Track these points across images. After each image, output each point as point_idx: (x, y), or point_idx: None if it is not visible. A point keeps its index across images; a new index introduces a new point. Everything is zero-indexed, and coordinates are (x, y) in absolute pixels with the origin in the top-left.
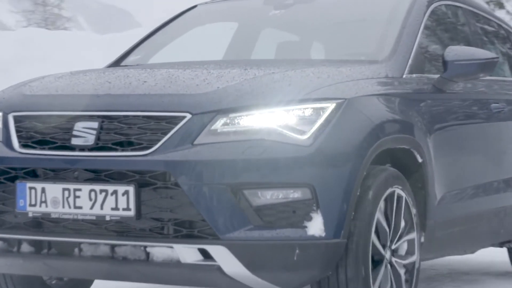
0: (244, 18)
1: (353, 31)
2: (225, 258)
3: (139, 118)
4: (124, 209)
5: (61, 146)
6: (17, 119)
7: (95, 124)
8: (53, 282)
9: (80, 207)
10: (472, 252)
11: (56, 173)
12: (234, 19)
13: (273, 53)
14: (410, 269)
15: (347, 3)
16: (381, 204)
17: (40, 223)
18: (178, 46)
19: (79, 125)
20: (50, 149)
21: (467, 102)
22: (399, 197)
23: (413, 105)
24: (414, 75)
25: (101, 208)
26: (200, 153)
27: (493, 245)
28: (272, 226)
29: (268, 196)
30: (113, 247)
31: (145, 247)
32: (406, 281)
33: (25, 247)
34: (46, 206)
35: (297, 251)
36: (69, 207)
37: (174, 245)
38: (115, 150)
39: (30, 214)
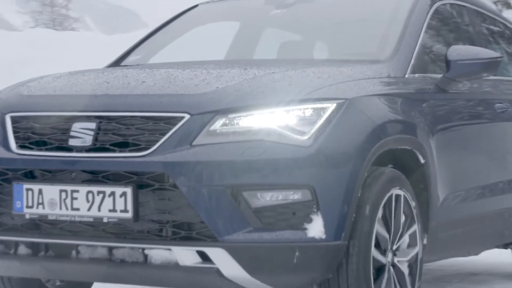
0: (245, 18)
1: (355, 31)
2: (224, 261)
3: (137, 119)
4: (121, 211)
5: (58, 147)
6: (14, 120)
7: (92, 125)
8: (57, 283)
9: (78, 209)
10: (476, 253)
11: (53, 174)
12: (236, 19)
13: (276, 53)
14: (412, 262)
15: (348, 2)
16: (381, 207)
17: (37, 225)
18: (179, 46)
19: (76, 126)
20: (47, 150)
21: (470, 102)
22: (399, 198)
23: (416, 105)
24: (416, 75)
25: (99, 209)
26: (199, 154)
27: (498, 246)
28: (271, 228)
29: (268, 198)
30: (110, 249)
31: (143, 249)
32: (410, 274)
33: (22, 249)
34: (43, 207)
35: (297, 253)
36: (66, 208)
37: (173, 248)
38: (113, 151)
39: (27, 216)
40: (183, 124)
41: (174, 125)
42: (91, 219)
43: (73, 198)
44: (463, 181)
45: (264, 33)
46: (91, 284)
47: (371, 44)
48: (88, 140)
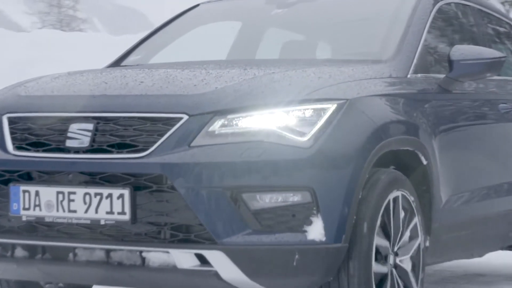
0: (247, 18)
1: (357, 30)
2: (222, 264)
3: (135, 120)
4: (119, 213)
5: (55, 148)
6: (11, 121)
7: (90, 126)
8: (60, 285)
9: (75, 211)
10: (480, 256)
11: (50, 176)
12: (237, 19)
13: (278, 53)
14: (415, 254)
15: (350, 2)
16: (383, 209)
17: (34, 227)
18: (180, 46)
19: (74, 127)
20: (44, 151)
21: (473, 103)
22: (401, 199)
23: (418, 105)
24: (419, 75)
25: (96, 212)
26: (197, 155)
27: (502, 248)
28: (271, 231)
29: (267, 200)
30: (108, 252)
31: (141, 252)
32: (413, 269)
33: (19, 252)
34: (40, 209)
35: (296, 256)
36: (63, 210)
37: (170, 250)
38: (110, 152)
39: (24, 218)
40: (181, 125)
41: (172, 126)
42: (88, 221)
43: (70, 200)
44: (466, 182)
45: (266, 33)
46: (90, 287)
47: (373, 43)
48: (85, 141)
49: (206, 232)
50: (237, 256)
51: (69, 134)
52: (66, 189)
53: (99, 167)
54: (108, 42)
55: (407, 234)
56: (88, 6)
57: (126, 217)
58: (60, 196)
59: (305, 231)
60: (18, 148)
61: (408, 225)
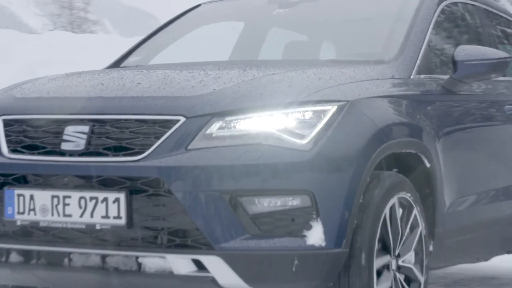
0: (250, 18)
1: (360, 30)
2: (220, 269)
3: (132, 122)
4: (114, 217)
5: (50, 151)
6: (6, 123)
7: (85, 128)
8: None
9: (70, 215)
10: (486, 259)
11: (45, 180)
12: (240, 19)
13: (281, 53)
14: (417, 244)
15: (353, 2)
16: (385, 212)
17: (29, 232)
18: (182, 47)
19: (69, 129)
20: (39, 154)
21: (478, 104)
22: (403, 203)
23: (421, 107)
24: (422, 76)
25: (91, 216)
26: (194, 159)
27: (509, 252)
28: (269, 235)
29: (266, 204)
30: (104, 257)
31: (137, 257)
32: (416, 261)
33: (14, 257)
34: (35, 214)
35: (296, 261)
36: (58, 215)
37: (167, 256)
38: (106, 155)
39: (19, 223)
40: (178, 127)
41: (169, 128)
42: (84, 226)
43: (65, 204)
44: (470, 185)
45: (270, 33)
46: None
47: (375, 44)
48: (81, 144)
49: (203, 237)
50: (235, 262)
51: (64, 137)
52: (61, 193)
53: (94, 170)
54: (119, 43)
55: (408, 231)
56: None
57: (122, 221)
58: (55, 200)
59: (305, 236)
60: (13, 151)
61: (409, 228)
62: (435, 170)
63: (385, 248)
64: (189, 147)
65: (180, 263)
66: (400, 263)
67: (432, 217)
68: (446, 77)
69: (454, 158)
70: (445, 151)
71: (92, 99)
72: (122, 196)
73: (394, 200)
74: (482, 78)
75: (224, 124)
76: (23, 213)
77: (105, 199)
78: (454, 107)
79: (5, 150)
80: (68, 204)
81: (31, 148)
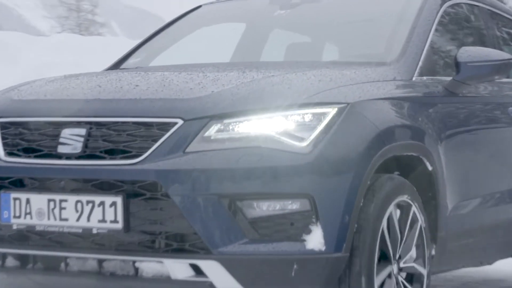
0: (251, 19)
1: (361, 31)
2: (217, 274)
3: (129, 125)
4: (111, 222)
5: (47, 154)
6: (3, 126)
7: (82, 131)
8: None
9: (66, 219)
10: (489, 263)
11: (41, 183)
12: (241, 20)
13: (283, 54)
14: (418, 237)
15: (354, 2)
16: (386, 216)
17: (25, 236)
18: (183, 48)
19: (66, 132)
20: (36, 157)
21: (481, 106)
22: (405, 206)
23: (423, 109)
24: (424, 78)
25: (88, 220)
26: (192, 162)
27: None
28: (268, 240)
29: (264, 208)
30: (100, 261)
31: (134, 261)
32: (417, 247)
33: (10, 261)
34: (31, 218)
35: (295, 266)
36: (55, 219)
37: (164, 260)
38: (103, 158)
39: (15, 227)
40: (176, 130)
41: (167, 131)
42: (80, 230)
43: (61, 208)
44: (473, 189)
45: (271, 35)
46: None
47: (377, 45)
48: (78, 146)
49: (201, 241)
50: (233, 267)
51: (61, 140)
52: (57, 197)
53: (91, 173)
54: (126, 46)
55: (408, 230)
56: (106, 10)
57: (119, 225)
58: (52, 204)
59: (304, 240)
60: (9, 154)
61: (409, 225)
62: (437, 173)
63: (385, 257)
64: (187, 150)
65: (178, 268)
66: (401, 264)
67: (435, 221)
68: (448, 78)
69: (457, 160)
70: (447, 153)
71: (89, 101)
72: (119, 199)
73: (395, 204)
74: (485, 79)
75: (222, 127)
76: (19, 217)
77: (102, 203)
78: (456, 109)
79: (1, 153)
80: (64, 208)
81: (28, 151)
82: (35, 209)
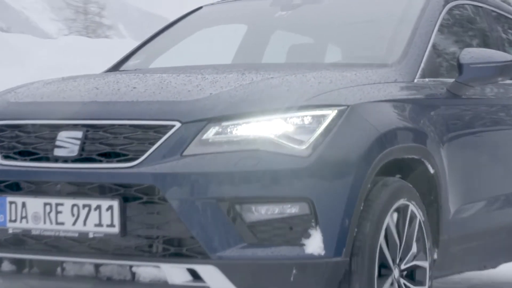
0: (252, 20)
1: (362, 33)
2: (215, 279)
3: (126, 127)
4: (108, 226)
5: (43, 157)
6: None
7: (79, 134)
8: None
9: (62, 223)
10: (493, 267)
11: (37, 187)
12: (243, 21)
13: (285, 56)
14: (418, 231)
15: (356, 3)
16: (387, 219)
17: (21, 240)
18: (184, 50)
19: (62, 135)
20: (32, 160)
21: (484, 108)
22: (407, 210)
23: (425, 111)
24: (426, 80)
25: (84, 224)
26: (190, 165)
27: None
28: (267, 244)
29: (263, 212)
30: (97, 266)
31: (131, 266)
32: (417, 241)
33: (6, 266)
34: (27, 222)
35: (294, 271)
36: (51, 223)
37: (161, 265)
38: (100, 161)
39: (10, 231)
40: (173, 132)
41: (164, 134)
42: (76, 234)
43: (57, 212)
44: (476, 192)
45: (273, 36)
46: None
47: (379, 46)
48: (74, 150)
49: (198, 246)
50: (231, 271)
51: (57, 143)
52: (53, 201)
53: (87, 177)
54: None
55: (407, 229)
56: (113, 12)
57: (116, 229)
58: (48, 207)
59: (303, 245)
60: (5, 157)
61: (408, 222)
62: (439, 176)
63: (386, 266)
64: (185, 153)
65: (175, 273)
66: (402, 266)
67: (437, 225)
68: (451, 80)
69: (459, 163)
70: (449, 156)
71: (86, 104)
72: (115, 203)
73: (396, 207)
74: (488, 81)
75: (220, 130)
76: (15, 221)
77: (98, 207)
78: (459, 111)
79: None
80: (60, 212)
81: (24, 154)
82: (31, 213)
